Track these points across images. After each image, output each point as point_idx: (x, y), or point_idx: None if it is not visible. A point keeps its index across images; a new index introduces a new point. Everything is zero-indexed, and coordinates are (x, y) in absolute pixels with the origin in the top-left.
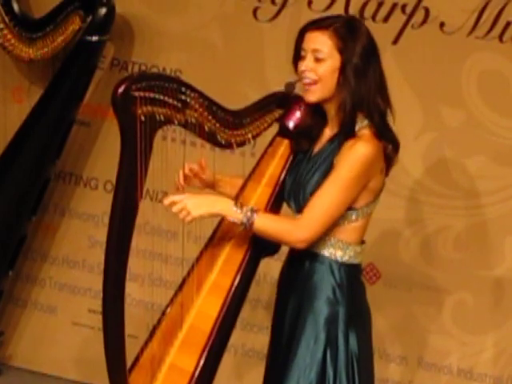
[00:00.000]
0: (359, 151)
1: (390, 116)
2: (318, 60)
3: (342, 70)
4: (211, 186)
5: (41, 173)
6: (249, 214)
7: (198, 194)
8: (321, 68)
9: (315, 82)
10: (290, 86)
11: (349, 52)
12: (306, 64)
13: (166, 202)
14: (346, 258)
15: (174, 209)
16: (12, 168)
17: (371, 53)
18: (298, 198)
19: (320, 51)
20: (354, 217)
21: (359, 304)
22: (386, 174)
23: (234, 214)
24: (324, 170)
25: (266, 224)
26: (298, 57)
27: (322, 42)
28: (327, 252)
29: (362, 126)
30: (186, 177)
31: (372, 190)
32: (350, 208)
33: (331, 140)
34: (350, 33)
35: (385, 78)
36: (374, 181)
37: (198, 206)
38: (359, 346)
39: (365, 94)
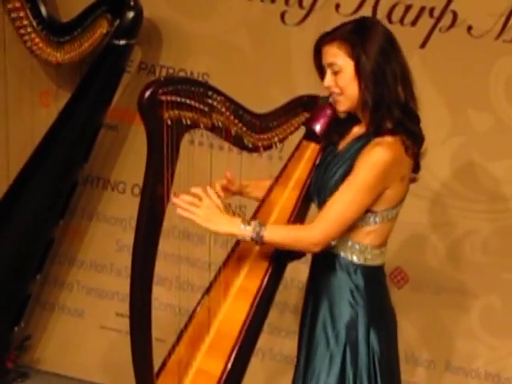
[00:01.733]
0: (377, 156)
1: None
2: (335, 73)
3: (358, 74)
4: (239, 194)
5: (68, 177)
6: (257, 228)
7: (215, 209)
8: (340, 80)
9: (340, 94)
10: (325, 100)
11: (360, 55)
12: (327, 80)
13: (181, 198)
14: (361, 261)
15: (182, 211)
16: (39, 172)
17: (386, 50)
18: (321, 195)
19: (334, 64)
20: (371, 220)
21: (380, 305)
22: (416, 171)
23: (243, 231)
24: (345, 169)
25: (276, 235)
26: (322, 73)
27: (333, 55)
28: (344, 254)
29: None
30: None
31: (390, 197)
32: (368, 211)
33: (357, 139)
34: (358, 36)
35: (407, 69)
36: (393, 188)
37: (207, 220)
38: (381, 346)
39: (383, 91)
